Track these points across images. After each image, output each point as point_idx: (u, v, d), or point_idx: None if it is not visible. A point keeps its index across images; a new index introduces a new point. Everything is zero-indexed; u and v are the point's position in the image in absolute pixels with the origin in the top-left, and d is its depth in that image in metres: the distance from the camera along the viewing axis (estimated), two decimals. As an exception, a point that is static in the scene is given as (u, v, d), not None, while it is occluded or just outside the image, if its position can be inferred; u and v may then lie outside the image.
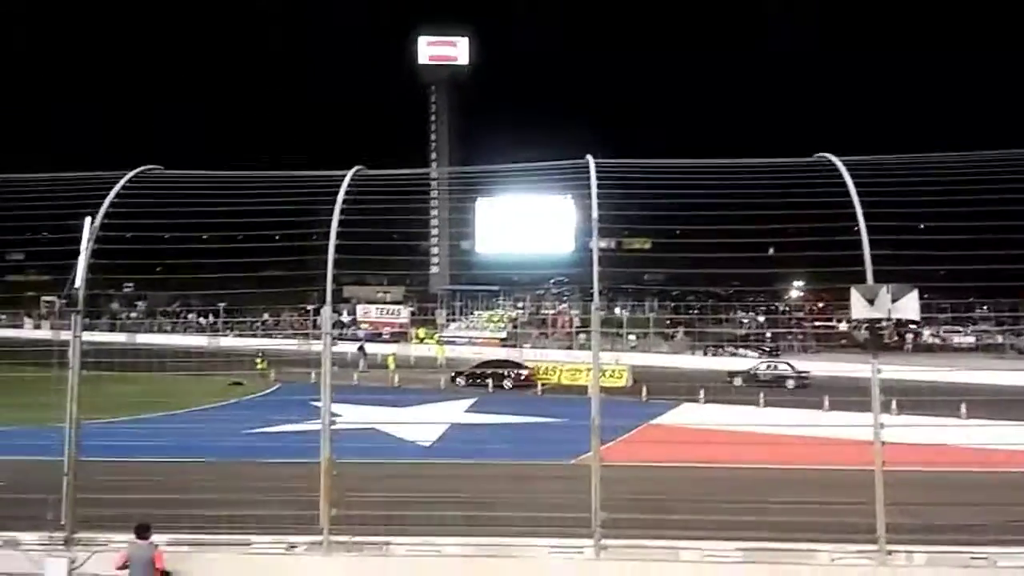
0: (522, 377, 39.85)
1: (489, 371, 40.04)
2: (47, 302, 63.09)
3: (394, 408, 29.71)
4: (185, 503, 11.27)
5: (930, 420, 15.07)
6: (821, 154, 11.73)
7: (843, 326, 50.91)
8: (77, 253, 11.35)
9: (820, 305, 62.33)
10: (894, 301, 10.00)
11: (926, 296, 10.43)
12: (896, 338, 48.98)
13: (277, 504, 11.02)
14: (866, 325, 11.03)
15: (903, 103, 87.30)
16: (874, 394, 10.41)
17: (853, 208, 10.98)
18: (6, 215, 12.80)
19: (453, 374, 40.56)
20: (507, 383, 39.23)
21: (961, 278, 12.16)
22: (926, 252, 11.85)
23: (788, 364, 41.19)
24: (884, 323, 10.93)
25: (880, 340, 10.99)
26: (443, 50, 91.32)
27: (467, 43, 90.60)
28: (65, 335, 11.77)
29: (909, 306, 10.06)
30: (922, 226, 12.47)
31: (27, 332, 54.20)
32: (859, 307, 10.15)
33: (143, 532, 10.15)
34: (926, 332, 54.27)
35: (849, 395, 12.40)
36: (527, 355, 49.64)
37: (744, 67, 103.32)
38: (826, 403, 23.96)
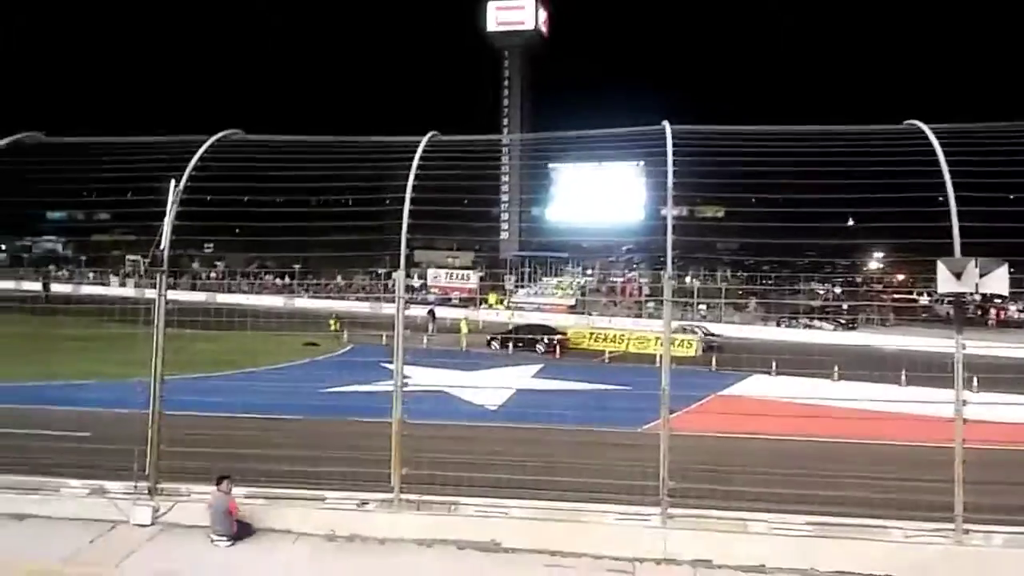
0: (554, 342, 40.08)
1: (523, 335, 40.44)
2: (132, 261, 65.58)
3: (462, 372, 30.02)
4: (262, 458, 11.65)
5: (1013, 398, 14.56)
6: (910, 121, 11.29)
7: (924, 299, 49.40)
8: (161, 215, 11.69)
9: (900, 278, 60.44)
10: (982, 276, 9.62)
11: (1012, 271, 9.99)
12: (980, 313, 47.29)
13: (349, 461, 11.28)
14: (951, 299, 10.65)
15: (997, 69, 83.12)
16: (957, 370, 10.08)
17: (941, 178, 10.56)
18: (95, 176, 13.29)
19: (488, 338, 41.02)
20: (539, 347, 39.48)
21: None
22: (1015, 224, 11.37)
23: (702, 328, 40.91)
24: (970, 298, 10.54)
25: (965, 315, 10.60)
26: (512, 15, 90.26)
27: (534, 6, 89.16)
28: (150, 293, 12.22)
29: (998, 281, 9.68)
30: (1011, 197, 11.92)
31: (113, 290, 56.40)
32: (945, 281, 9.79)
33: (220, 482, 10.66)
34: (1012, 308, 52.25)
35: (927, 371, 12.03)
36: (596, 322, 49.69)
37: (830, 31, 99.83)
38: (903, 378, 23.32)
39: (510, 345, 39.50)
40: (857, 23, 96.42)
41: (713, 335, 42.86)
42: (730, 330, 47.57)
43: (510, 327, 43.70)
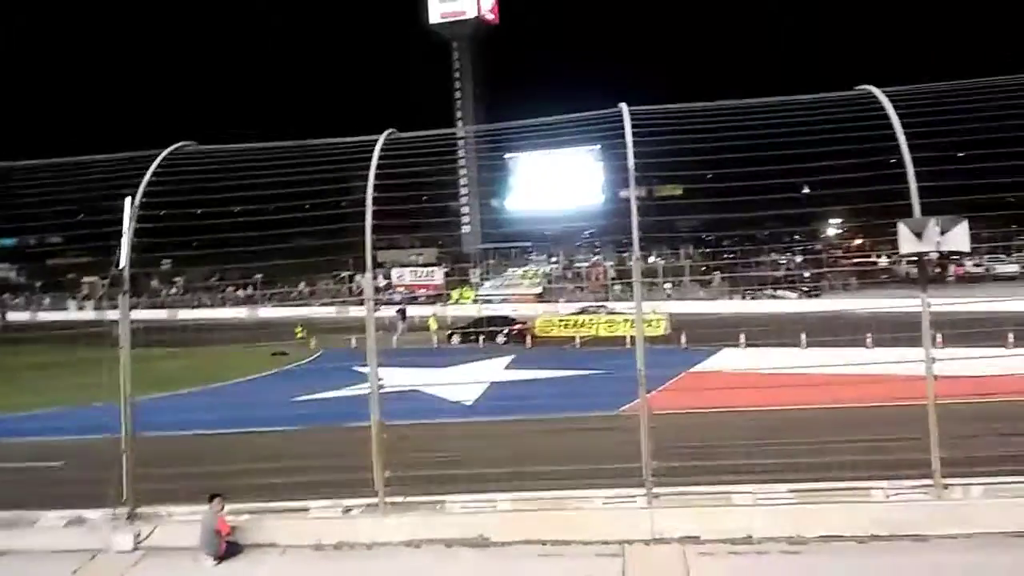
0: (514, 331, 40.35)
1: (483, 328, 40.75)
2: (89, 283, 64.35)
3: (433, 369, 29.95)
4: (241, 473, 11.47)
5: (979, 352, 14.83)
6: (862, 86, 11.41)
7: (883, 261, 50.20)
8: (117, 234, 11.45)
9: (859, 242, 61.36)
10: (943, 233, 9.78)
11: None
12: (939, 270, 48.19)
13: (330, 469, 11.18)
14: (913, 259, 10.81)
15: (939, 28, 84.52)
16: (924, 328, 10.25)
17: (895, 141, 10.69)
18: (43, 200, 12.98)
19: (448, 332, 41.05)
20: (500, 338, 39.70)
21: (1003, 206, 11.84)
22: (966, 182, 11.55)
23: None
24: (931, 256, 10.70)
25: (928, 273, 10.77)
26: (453, 6, 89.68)
27: None
28: (111, 314, 11.97)
29: (959, 238, 9.84)
30: (961, 154, 12.11)
31: (72, 313, 55.35)
32: (907, 241, 9.93)
33: (211, 500, 10.50)
34: (968, 263, 53.33)
35: (893, 331, 12.21)
36: (563, 309, 49.87)
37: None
38: (869, 340, 23.69)
39: (480, 339, 39.54)
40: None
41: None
42: (696, 306, 47.99)
43: (476, 320, 43.78)
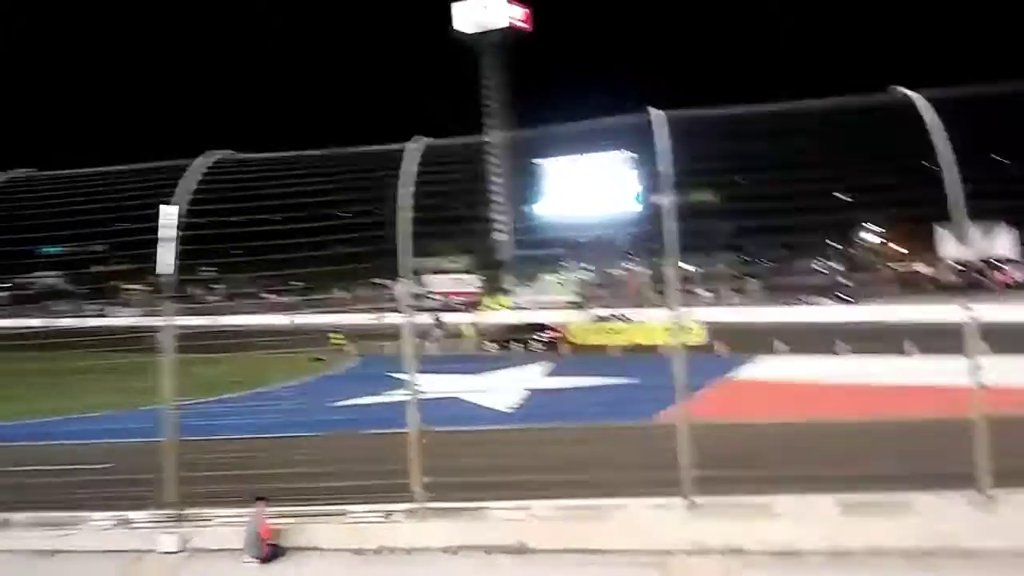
0: (550, 338, 40.54)
1: (517, 336, 40.85)
2: (132, 289, 65.46)
3: (472, 375, 30.03)
4: (283, 477, 11.65)
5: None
6: (895, 88, 11.23)
7: (922, 268, 49.34)
8: (155, 241, 11.66)
9: (899, 249, 60.41)
10: (986, 239, 9.62)
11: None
12: (982, 277, 47.20)
13: (370, 474, 11.27)
14: (957, 266, 10.64)
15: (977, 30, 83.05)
16: (969, 336, 10.07)
17: (931, 146, 10.52)
18: (89, 207, 13.27)
19: (484, 339, 41.14)
20: (536, 345, 39.69)
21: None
22: (1009, 187, 11.35)
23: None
24: (976, 263, 10.52)
25: (972, 280, 10.59)
26: (481, 15, 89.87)
27: (502, 3, 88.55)
28: (154, 321, 12.19)
29: (1002, 243, 9.67)
30: (998, 159, 11.89)
31: (116, 319, 56.31)
32: (949, 247, 9.79)
33: (255, 503, 10.66)
34: (1012, 271, 52.14)
35: (934, 340, 12.02)
36: (601, 314, 49.68)
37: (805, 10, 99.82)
38: (910, 348, 23.36)
39: (516, 345, 39.54)
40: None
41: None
42: (734, 313, 47.57)
43: (512, 327, 43.82)
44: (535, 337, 40.47)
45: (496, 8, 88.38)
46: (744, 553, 9.90)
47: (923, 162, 10.83)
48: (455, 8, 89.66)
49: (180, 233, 11.75)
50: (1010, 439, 10.26)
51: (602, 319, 46.36)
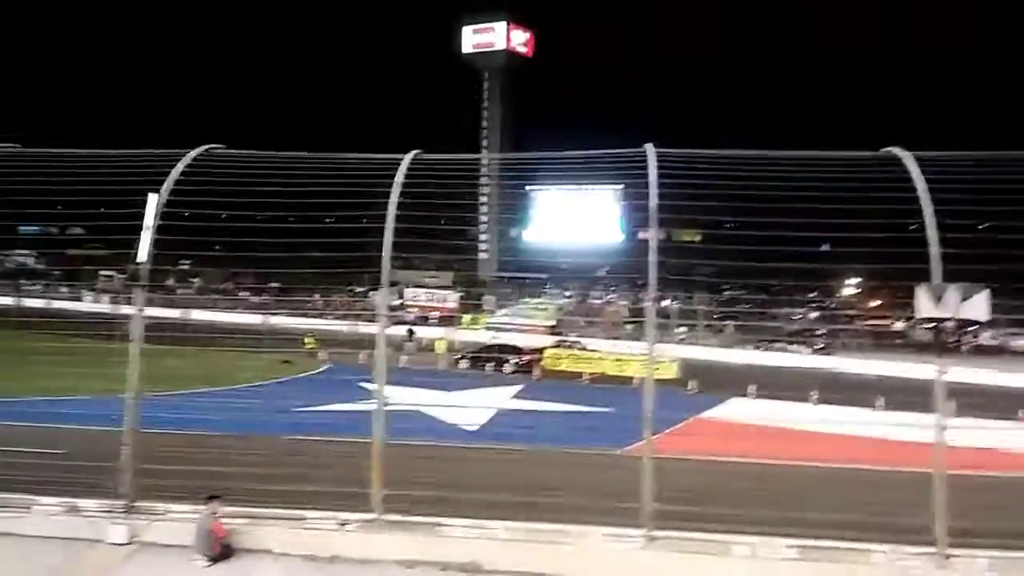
0: (523, 361, 40.45)
1: (492, 355, 40.89)
2: (106, 276, 64.82)
3: (440, 391, 29.84)
4: (240, 476, 11.48)
5: (992, 423, 14.69)
6: (888, 148, 11.42)
7: (898, 325, 49.90)
8: (136, 228, 11.53)
9: (875, 303, 61.07)
10: (963, 300, 9.72)
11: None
12: (955, 339, 47.82)
13: (329, 481, 11.15)
14: (930, 325, 10.73)
15: (976, 99, 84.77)
16: (938, 395, 10.15)
17: (918, 205, 10.66)
18: (68, 189, 13.11)
19: (457, 357, 41.04)
20: (507, 367, 39.76)
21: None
22: (989, 251, 11.48)
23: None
24: (949, 324, 10.61)
25: (945, 341, 10.68)
26: (484, 37, 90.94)
27: (505, 29, 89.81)
28: (125, 309, 12.04)
29: (978, 307, 9.78)
30: (980, 226, 12.09)
31: (86, 305, 55.66)
32: (925, 305, 9.88)
33: (208, 502, 10.49)
34: (985, 335, 52.86)
35: (903, 395, 12.12)
36: (576, 343, 49.82)
37: (812, 58, 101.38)
38: (880, 402, 23.49)
39: (487, 365, 39.53)
40: (840, 51, 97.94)
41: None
42: (708, 352, 47.82)
43: (486, 347, 43.83)
44: (508, 359, 40.52)
45: (499, 32, 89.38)
46: (698, 590, 9.88)
47: (909, 222, 10.95)
48: (464, 31, 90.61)
49: (160, 223, 11.62)
50: (970, 498, 10.32)
51: (560, 345, 46.89)
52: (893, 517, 10.50)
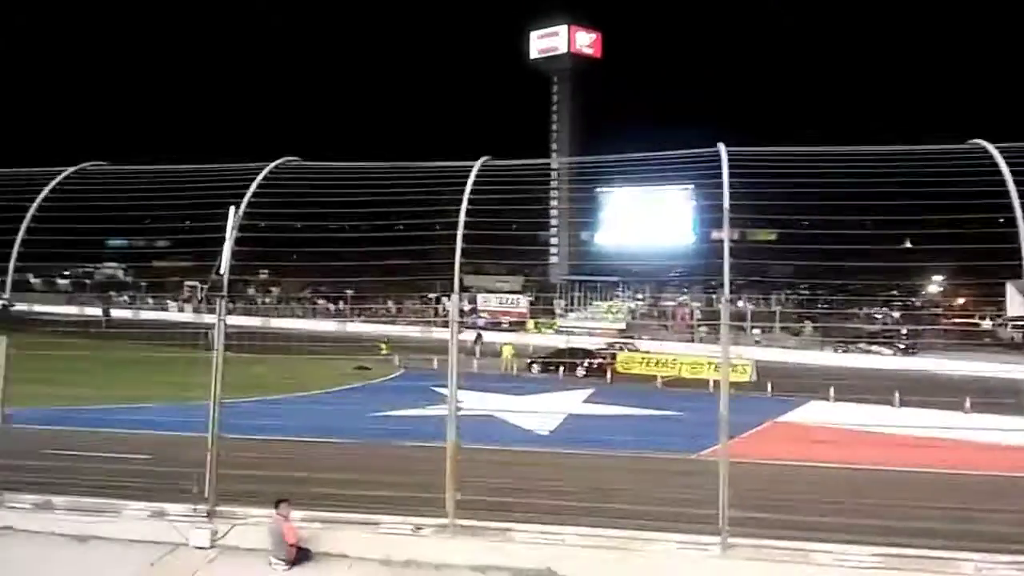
0: (595, 365, 40.27)
1: (563, 359, 40.55)
2: (190, 287, 67.08)
3: (513, 396, 29.97)
4: (318, 481, 11.71)
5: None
6: (974, 141, 10.99)
7: (986, 324, 47.97)
8: (220, 240, 11.87)
9: (960, 301, 58.78)
10: (1055, 298, 9.28)
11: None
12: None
13: (403, 486, 11.28)
14: (1020, 323, 10.28)
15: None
16: (1029, 397, 9.73)
17: (1007, 199, 10.22)
18: (154, 203, 13.60)
19: (529, 361, 40.94)
20: (580, 371, 39.58)
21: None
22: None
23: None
24: (1039, 322, 10.15)
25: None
26: (548, 42, 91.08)
27: (567, 32, 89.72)
28: (208, 318, 12.41)
29: (1071, 304, 9.32)
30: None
31: (172, 315, 57.69)
32: (1015, 303, 9.46)
33: (278, 505, 10.72)
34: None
35: (991, 396, 11.62)
36: (645, 346, 49.42)
37: (891, 50, 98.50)
38: (967, 404, 22.59)
39: (560, 370, 39.44)
40: (921, 42, 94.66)
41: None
42: (785, 355, 46.77)
43: (557, 351, 43.73)
44: (580, 362, 40.35)
45: (562, 35, 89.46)
46: (776, 599, 9.66)
47: (996, 216, 10.53)
48: (532, 36, 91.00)
49: (239, 235, 11.95)
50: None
51: (615, 346, 46.71)
52: (985, 524, 10.09)
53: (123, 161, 14.04)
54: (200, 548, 11.02)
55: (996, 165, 10.46)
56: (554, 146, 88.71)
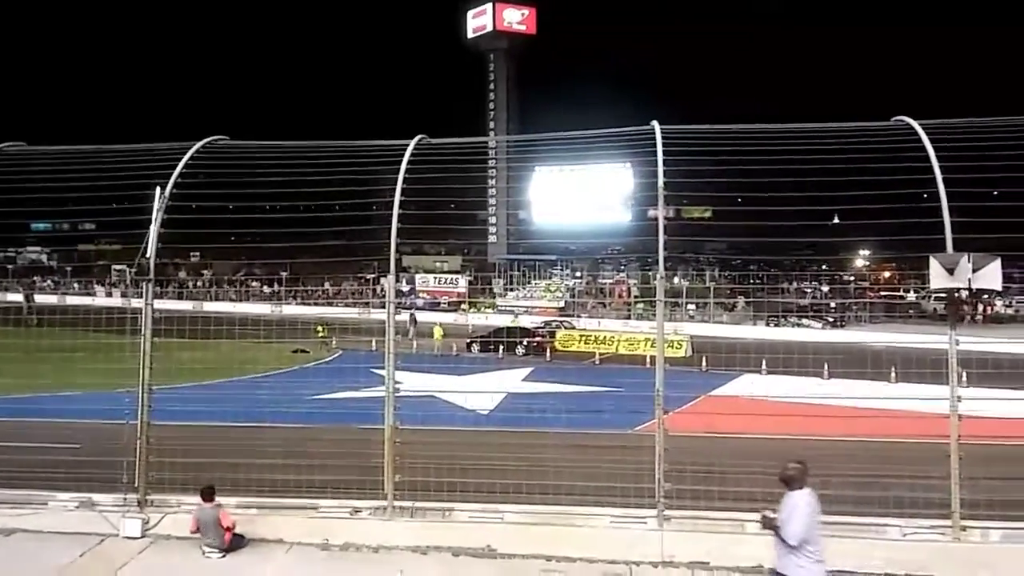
0: (534, 344, 40.75)
1: (501, 338, 40.94)
2: (118, 271, 65.17)
3: (451, 376, 29.86)
4: (253, 467, 11.51)
5: (1006, 393, 14.52)
6: (899, 117, 11.26)
7: (911, 296, 49.63)
8: (147, 223, 11.52)
9: (886, 275, 60.72)
10: (975, 271, 9.59)
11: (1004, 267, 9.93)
12: (969, 308, 47.51)
13: (341, 469, 11.17)
14: (943, 295, 10.62)
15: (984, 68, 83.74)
16: (951, 365, 10.06)
17: (930, 175, 10.52)
18: (79, 185, 13.10)
19: (468, 341, 41.09)
20: (519, 350, 39.92)
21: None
22: (1001, 220, 11.33)
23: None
24: (962, 293, 10.48)
25: (959, 311, 10.56)
26: (480, 20, 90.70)
27: (491, 8, 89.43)
28: (136, 303, 12.05)
29: (991, 276, 9.65)
30: (995, 192, 11.92)
31: (99, 300, 55.94)
32: (938, 276, 9.75)
33: (207, 495, 10.51)
34: (999, 303, 52.49)
35: (917, 367, 11.98)
36: (584, 324, 49.95)
37: (817, 29, 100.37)
38: (892, 375, 23.34)
39: (500, 349, 39.55)
40: (846, 22, 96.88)
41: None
42: (719, 330, 47.67)
43: (495, 331, 43.88)
44: (519, 341, 40.56)
45: (488, 13, 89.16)
46: (711, 568, 9.87)
47: (920, 191, 10.81)
48: (468, 15, 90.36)
49: (166, 216, 11.60)
50: (984, 469, 10.23)
51: (551, 324, 47.35)
52: (910, 491, 10.43)
53: (43, 142, 13.52)
54: (131, 538, 10.79)
55: (920, 141, 10.74)
56: (491, 124, 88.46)
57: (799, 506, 7.86)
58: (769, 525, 8.08)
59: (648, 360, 29.71)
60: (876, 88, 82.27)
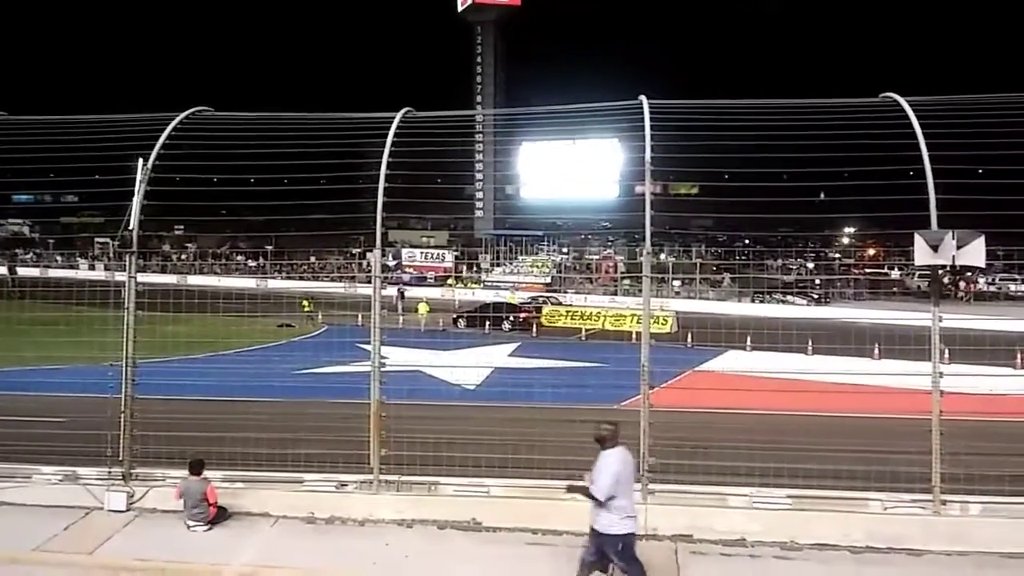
0: (520, 319, 40.91)
1: (488, 314, 41.06)
2: (101, 243, 64.59)
3: (438, 351, 29.91)
4: (239, 441, 11.50)
5: (986, 369, 14.68)
6: (886, 94, 11.25)
7: (895, 273, 49.93)
8: (130, 195, 11.40)
9: (872, 252, 61.03)
10: (959, 247, 9.63)
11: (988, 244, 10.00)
12: (952, 285, 47.89)
13: (327, 443, 11.19)
14: (927, 272, 10.67)
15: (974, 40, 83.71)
16: (934, 342, 10.13)
17: (917, 151, 10.53)
18: (62, 156, 12.93)
19: (454, 316, 41.11)
20: (505, 325, 40.12)
21: (1018, 224, 11.67)
22: (985, 197, 11.39)
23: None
24: (946, 270, 10.53)
25: (942, 287, 10.62)
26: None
27: None
28: (120, 276, 11.95)
29: (975, 253, 9.69)
30: (980, 170, 11.96)
31: (82, 273, 55.44)
32: (922, 253, 9.80)
33: (196, 468, 10.52)
34: (981, 280, 52.93)
35: (900, 343, 12.07)
36: (570, 300, 50.09)
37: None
38: (876, 351, 23.53)
39: (487, 324, 39.61)
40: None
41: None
42: (705, 306, 47.88)
43: (482, 306, 43.92)
44: (506, 317, 40.64)
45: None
46: (695, 541, 9.98)
47: (906, 168, 10.83)
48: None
49: (149, 188, 11.48)
50: (964, 444, 10.35)
51: (537, 299, 47.56)
52: (890, 465, 10.55)
53: (23, 111, 13.32)
54: (116, 511, 10.78)
55: (907, 118, 10.74)
56: (479, 98, 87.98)
57: (609, 463, 8.19)
58: (573, 489, 8.51)
59: (634, 336, 29.91)
60: (865, 64, 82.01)
